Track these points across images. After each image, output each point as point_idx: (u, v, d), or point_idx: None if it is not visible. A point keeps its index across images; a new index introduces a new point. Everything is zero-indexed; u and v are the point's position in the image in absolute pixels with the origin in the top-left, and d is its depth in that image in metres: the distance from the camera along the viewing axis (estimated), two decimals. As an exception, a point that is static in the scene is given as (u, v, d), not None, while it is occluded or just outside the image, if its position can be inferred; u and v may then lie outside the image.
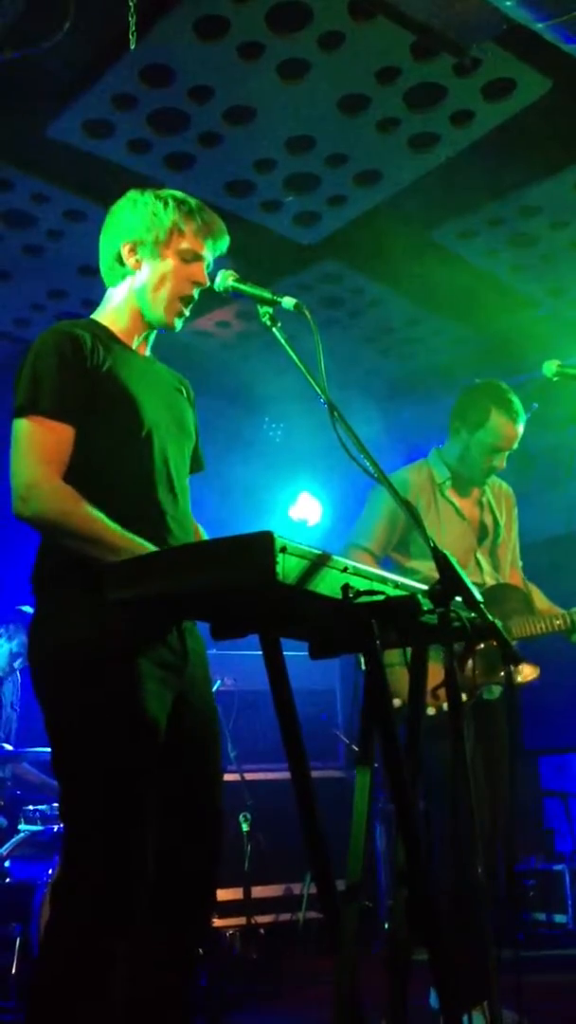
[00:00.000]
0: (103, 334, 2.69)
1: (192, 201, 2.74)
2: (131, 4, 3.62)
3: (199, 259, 2.72)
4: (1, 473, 2.61)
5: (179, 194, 2.75)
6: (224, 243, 2.77)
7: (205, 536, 2.85)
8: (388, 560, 4.02)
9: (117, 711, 2.38)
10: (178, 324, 2.76)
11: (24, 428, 2.50)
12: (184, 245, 2.70)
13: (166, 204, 2.70)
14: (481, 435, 3.94)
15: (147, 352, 2.82)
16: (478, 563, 4.01)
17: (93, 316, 2.79)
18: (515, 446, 4.00)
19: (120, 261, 2.73)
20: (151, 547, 2.40)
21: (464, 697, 3.64)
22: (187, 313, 2.76)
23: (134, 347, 2.76)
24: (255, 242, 5.32)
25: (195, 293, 2.74)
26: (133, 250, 2.71)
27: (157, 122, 4.51)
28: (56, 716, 2.46)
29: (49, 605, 2.52)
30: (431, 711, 3.54)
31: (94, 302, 2.87)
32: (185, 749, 2.53)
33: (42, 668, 2.50)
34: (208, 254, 2.74)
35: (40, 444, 2.48)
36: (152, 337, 2.83)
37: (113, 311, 2.76)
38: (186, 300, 2.74)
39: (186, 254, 2.70)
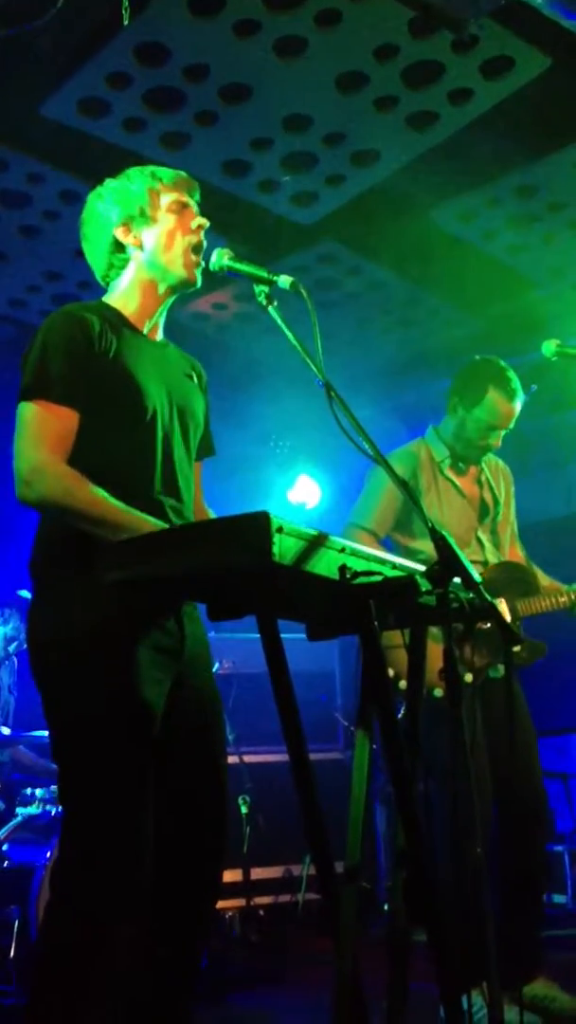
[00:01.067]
0: (113, 317, 2.67)
1: (149, 167, 2.78)
2: (125, -20, 3.59)
3: (187, 206, 2.74)
4: (1, 455, 2.60)
5: (136, 166, 2.79)
6: (196, 191, 2.80)
7: None
8: (390, 541, 4.01)
9: (113, 695, 2.37)
10: (198, 277, 2.75)
11: (29, 412, 2.49)
12: (168, 199, 2.72)
13: (129, 178, 2.75)
14: (478, 412, 3.93)
15: (159, 335, 2.81)
16: (479, 541, 4.00)
17: (103, 299, 2.78)
18: (511, 425, 3.99)
19: (119, 247, 2.73)
20: (159, 523, 2.39)
21: (470, 678, 3.64)
22: (203, 263, 2.75)
23: (145, 331, 2.75)
24: (252, 222, 5.29)
25: (203, 237, 2.74)
26: (128, 229, 2.71)
27: (152, 101, 4.47)
28: (54, 700, 2.45)
29: (47, 589, 2.52)
30: (439, 692, 3.54)
31: (90, 283, 2.86)
32: (185, 733, 2.52)
33: (40, 651, 2.50)
34: (189, 200, 2.76)
35: (45, 428, 2.47)
36: (164, 317, 2.81)
37: (123, 294, 2.75)
38: (197, 248, 2.73)
39: (174, 205, 2.72)
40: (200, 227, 2.73)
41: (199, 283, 2.77)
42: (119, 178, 2.76)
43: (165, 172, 2.76)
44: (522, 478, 4.36)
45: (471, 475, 4.08)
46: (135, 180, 2.73)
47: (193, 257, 2.72)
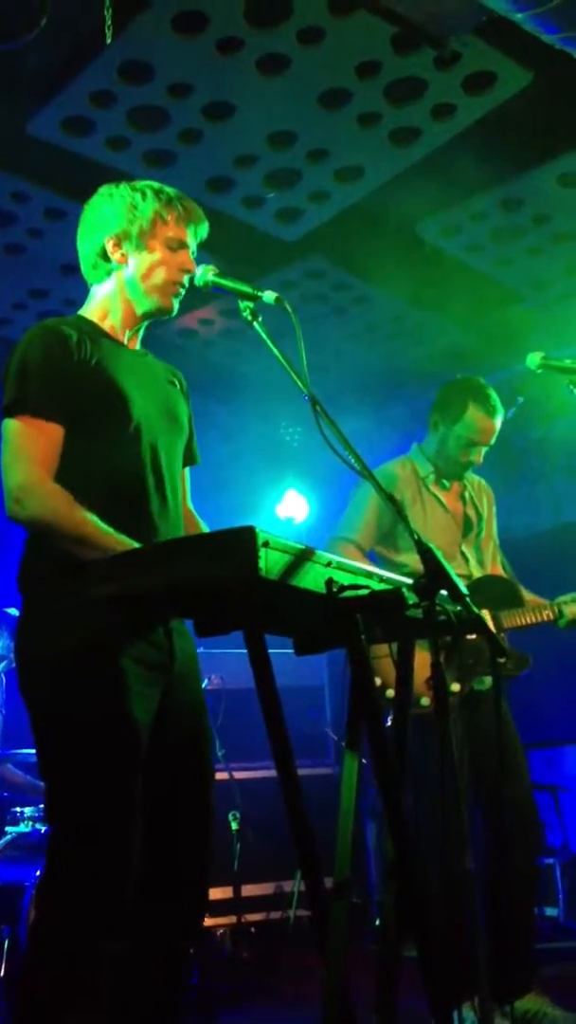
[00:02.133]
0: (91, 330, 2.67)
1: (169, 190, 2.74)
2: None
3: (184, 246, 2.72)
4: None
5: (155, 184, 2.74)
6: (204, 229, 2.77)
7: (206, 529, 2.84)
8: (374, 555, 4.02)
9: (102, 712, 2.37)
10: (175, 304, 2.75)
11: (14, 428, 2.49)
12: (169, 234, 2.69)
13: (144, 195, 2.69)
14: (458, 429, 3.97)
15: (138, 346, 2.81)
16: (464, 556, 4.02)
17: (80, 312, 2.77)
18: (492, 441, 4.02)
19: (104, 257, 2.71)
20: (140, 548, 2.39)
21: (457, 687, 3.64)
22: (182, 293, 2.74)
23: (124, 341, 2.74)
24: (237, 239, 5.30)
25: (185, 280, 2.72)
26: (118, 244, 2.69)
27: (136, 119, 4.49)
28: (41, 717, 2.45)
29: (35, 606, 2.51)
30: (426, 701, 3.55)
31: (76, 301, 2.85)
32: (173, 748, 2.52)
33: (27, 668, 2.49)
34: (191, 241, 2.74)
35: (31, 445, 2.47)
36: (143, 330, 2.81)
37: (100, 306, 2.74)
38: (178, 287, 2.73)
39: (171, 242, 2.69)
40: (186, 273, 2.70)
41: (175, 312, 2.77)
42: (135, 188, 2.71)
43: (181, 203, 2.71)
44: (509, 490, 4.39)
45: (454, 491, 4.11)
46: (148, 200, 2.69)
47: (172, 289, 2.71)
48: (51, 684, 2.42)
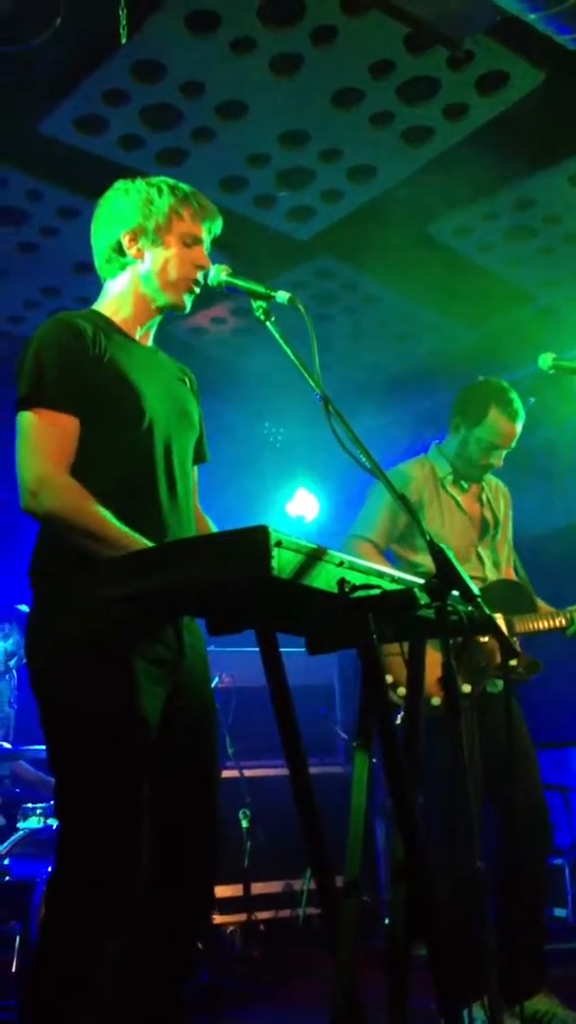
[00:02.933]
0: (104, 324, 2.67)
1: (184, 186, 2.75)
2: (122, -1, 3.61)
3: (199, 242, 2.73)
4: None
5: (170, 180, 2.75)
6: (219, 226, 2.78)
7: (214, 528, 2.84)
8: (391, 555, 4.02)
9: (110, 708, 2.37)
10: (188, 302, 2.76)
11: (29, 421, 2.49)
12: (184, 230, 2.70)
13: (160, 191, 2.70)
14: (479, 432, 3.96)
15: (150, 342, 2.81)
16: (480, 557, 4.02)
17: (94, 307, 2.78)
18: (512, 445, 4.01)
19: (120, 251, 2.72)
20: (152, 545, 2.39)
21: (468, 689, 3.64)
22: (197, 291, 2.75)
23: (137, 337, 2.75)
24: (249, 238, 5.30)
25: (200, 276, 2.73)
26: (134, 239, 2.70)
27: (149, 118, 4.50)
28: (51, 712, 2.45)
29: (45, 601, 2.52)
30: (436, 701, 3.55)
31: (88, 299, 2.86)
32: (181, 745, 2.52)
33: (37, 664, 2.50)
34: (206, 237, 2.75)
35: (47, 438, 2.47)
36: (155, 327, 2.82)
37: (115, 301, 2.75)
38: (194, 283, 2.73)
39: (186, 238, 2.70)
40: (201, 268, 2.71)
41: (188, 309, 2.78)
42: (151, 183, 2.72)
43: (196, 200, 2.73)
44: (521, 490, 4.37)
45: (472, 493, 4.11)
46: (164, 195, 2.70)
47: (186, 286, 2.72)
48: (60, 680, 2.43)
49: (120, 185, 2.75)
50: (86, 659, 2.39)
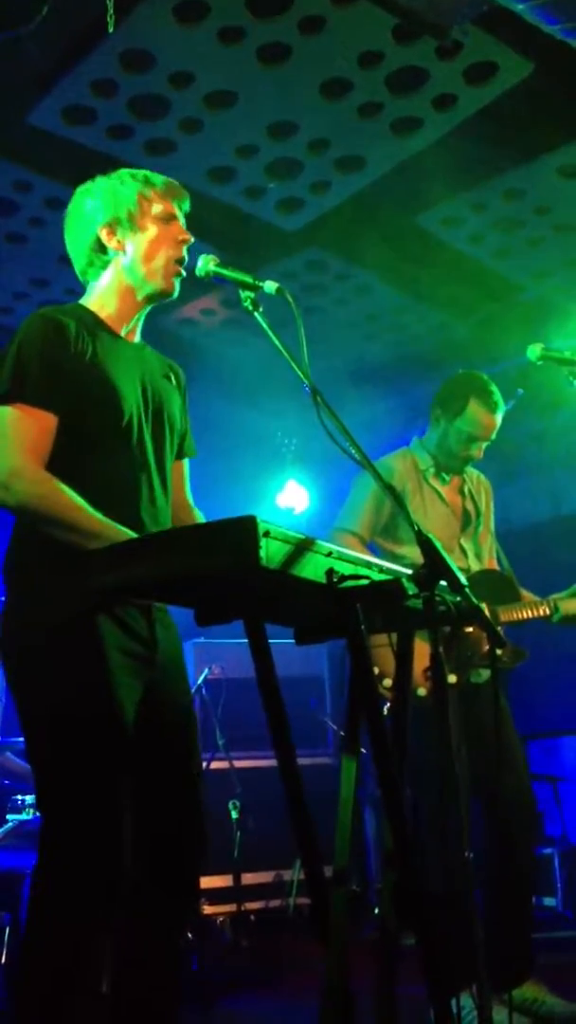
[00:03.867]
0: (89, 320, 2.67)
1: (142, 170, 2.77)
2: (109, -12, 3.60)
3: (174, 218, 2.73)
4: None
5: (129, 169, 2.77)
6: (187, 202, 2.79)
7: (202, 520, 2.84)
8: (375, 547, 4.03)
9: (87, 701, 2.37)
10: (176, 285, 2.75)
11: (7, 415, 2.48)
12: (157, 209, 2.71)
13: (122, 179, 2.73)
14: (459, 424, 3.98)
15: (136, 338, 2.80)
16: (462, 549, 4.04)
17: (80, 301, 2.77)
18: (493, 436, 4.03)
19: (100, 248, 2.71)
20: (131, 534, 2.40)
21: (453, 679, 3.65)
22: (183, 272, 2.75)
23: (123, 333, 2.74)
24: (238, 229, 5.30)
25: (184, 253, 2.73)
26: (112, 232, 2.70)
27: (137, 108, 4.49)
28: (27, 704, 2.46)
29: (20, 592, 2.51)
30: (422, 691, 3.56)
31: (76, 291, 2.85)
32: (158, 739, 2.52)
33: (12, 656, 2.50)
34: (179, 212, 2.75)
35: (23, 432, 2.47)
36: (142, 321, 2.81)
37: (100, 296, 2.74)
38: (179, 262, 2.73)
39: (162, 215, 2.71)
40: (184, 242, 2.72)
41: (176, 294, 2.78)
42: (110, 177, 2.74)
43: (158, 179, 2.75)
44: (508, 482, 4.39)
45: (454, 485, 4.12)
46: (127, 183, 2.72)
47: (174, 269, 2.72)
48: (35, 672, 2.43)
49: (81, 189, 2.79)
50: (60, 650, 2.39)
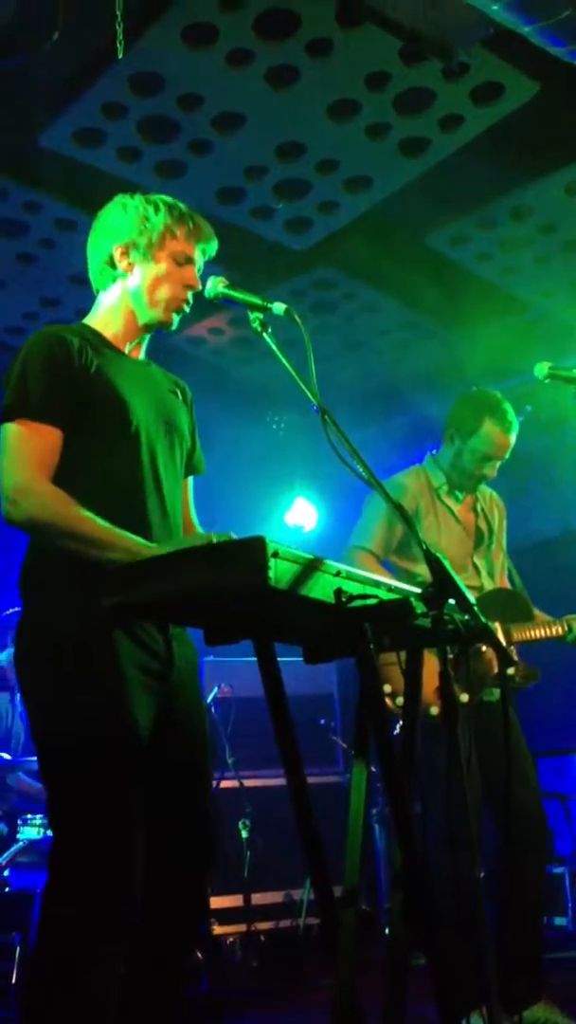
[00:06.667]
0: (93, 338, 2.68)
1: (182, 205, 2.75)
2: (118, 13, 3.63)
3: (191, 262, 2.72)
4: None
5: (168, 198, 2.75)
6: (213, 247, 2.78)
7: None
8: (390, 565, 4.03)
9: (101, 719, 2.37)
10: (175, 320, 2.76)
11: (12, 431, 2.50)
12: (177, 248, 2.70)
13: (157, 208, 2.71)
14: (474, 443, 3.98)
15: (141, 356, 2.81)
16: (475, 567, 4.03)
17: (85, 320, 2.79)
18: (507, 456, 4.03)
19: (111, 264, 2.73)
20: (142, 542, 2.39)
21: (466, 698, 3.65)
22: (186, 309, 2.76)
23: (127, 351, 2.75)
24: (247, 249, 5.33)
25: (189, 296, 2.74)
26: (125, 253, 2.71)
27: (147, 130, 4.53)
28: (41, 721, 2.45)
29: (35, 608, 2.52)
30: (435, 710, 3.55)
31: (87, 311, 2.87)
32: (172, 756, 2.52)
33: (26, 674, 2.50)
34: (199, 257, 2.75)
35: (28, 448, 2.48)
36: (147, 341, 2.82)
37: (105, 315, 2.75)
38: (181, 303, 2.74)
39: (179, 256, 2.70)
40: (189, 289, 2.72)
41: (174, 327, 2.78)
42: (148, 200, 2.72)
43: (192, 219, 2.73)
44: (517, 499, 4.39)
45: (467, 503, 4.13)
46: (160, 213, 2.70)
47: (175, 306, 2.72)
48: (50, 691, 2.43)
49: (119, 199, 2.76)
50: (75, 666, 2.39)
